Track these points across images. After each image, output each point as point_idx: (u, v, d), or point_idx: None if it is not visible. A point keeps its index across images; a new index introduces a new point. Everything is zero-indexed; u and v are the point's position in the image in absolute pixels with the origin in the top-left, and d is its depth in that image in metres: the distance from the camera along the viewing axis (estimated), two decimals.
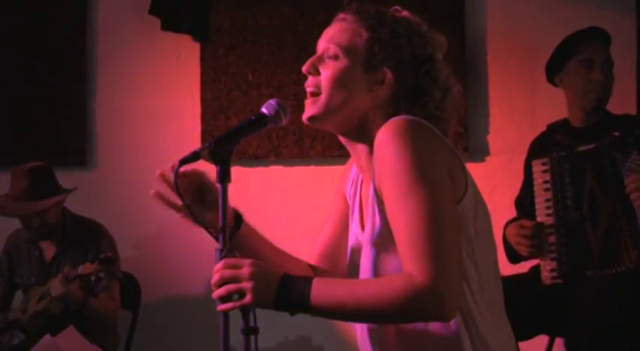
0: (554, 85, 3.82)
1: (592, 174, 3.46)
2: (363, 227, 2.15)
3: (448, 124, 2.10)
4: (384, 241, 1.99)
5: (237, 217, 2.23)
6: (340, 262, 2.29)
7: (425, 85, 2.06)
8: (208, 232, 2.06)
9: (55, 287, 3.87)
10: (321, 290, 1.89)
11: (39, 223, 4.16)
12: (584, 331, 3.26)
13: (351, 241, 2.22)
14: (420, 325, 1.98)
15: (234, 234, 2.17)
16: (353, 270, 2.17)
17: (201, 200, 2.14)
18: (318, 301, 1.89)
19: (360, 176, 2.22)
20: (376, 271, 2.02)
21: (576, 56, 3.67)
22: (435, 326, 1.96)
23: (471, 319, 1.97)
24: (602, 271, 3.39)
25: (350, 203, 2.26)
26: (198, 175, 2.14)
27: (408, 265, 1.85)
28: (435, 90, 2.07)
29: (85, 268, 3.77)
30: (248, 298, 1.89)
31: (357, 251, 2.16)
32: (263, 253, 2.25)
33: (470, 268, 1.95)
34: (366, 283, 1.97)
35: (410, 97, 2.06)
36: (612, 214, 3.41)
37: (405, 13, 2.13)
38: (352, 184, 2.26)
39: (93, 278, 3.75)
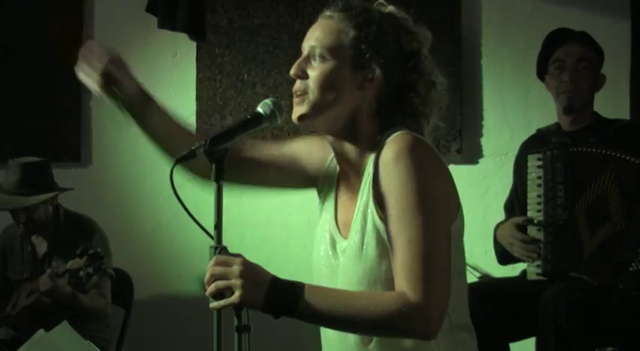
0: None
1: (613, 179, 3.44)
2: (337, 223, 2.17)
3: (429, 118, 2.13)
4: (374, 246, 2.02)
5: (145, 97, 2.35)
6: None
7: (411, 81, 2.07)
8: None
9: (44, 282, 3.88)
10: (313, 297, 1.91)
11: (25, 218, 4.17)
12: (549, 331, 3.29)
13: (322, 236, 2.21)
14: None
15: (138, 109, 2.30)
16: (322, 267, 2.17)
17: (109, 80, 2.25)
18: (310, 307, 1.90)
19: (337, 172, 2.22)
20: (371, 278, 2.03)
21: (551, 58, 3.72)
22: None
23: (441, 332, 1.99)
24: (584, 276, 3.41)
25: (320, 197, 2.27)
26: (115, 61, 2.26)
27: (402, 282, 1.90)
28: (421, 85, 2.08)
29: (73, 264, 3.78)
30: (236, 296, 1.89)
31: (328, 249, 2.16)
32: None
33: None
34: (359, 296, 1.98)
35: (397, 92, 2.07)
36: (618, 228, 3.42)
37: (390, 8, 2.12)
38: (327, 179, 2.26)
39: (82, 274, 3.75)
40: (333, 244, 2.15)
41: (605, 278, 3.37)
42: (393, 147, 1.97)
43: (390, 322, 1.89)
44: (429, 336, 1.91)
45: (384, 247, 1.99)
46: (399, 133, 2.01)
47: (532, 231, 3.55)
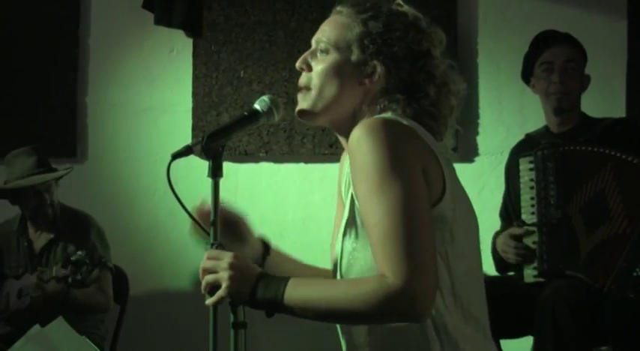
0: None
1: (613, 178, 3.41)
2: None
3: (445, 120, 2.10)
4: (356, 234, 2.00)
5: (265, 246, 2.26)
6: None
7: (419, 81, 2.05)
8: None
9: (33, 289, 3.89)
10: (296, 290, 1.89)
11: (50, 200, 4.21)
12: (548, 329, 3.28)
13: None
14: (390, 326, 1.96)
15: (262, 261, 2.22)
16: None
17: (232, 233, 2.19)
18: (292, 300, 1.89)
19: None
20: (345, 263, 2.02)
21: (538, 60, 3.74)
22: (404, 328, 1.94)
23: (442, 323, 1.94)
24: (582, 274, 3.39)
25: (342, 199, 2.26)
26: (225, 212, 2.18)
27: (380, 265, 1.84)
28: (430, 86, 2.05)
29: (59, 272, 3.76)
30: (223, 288, 1.90)
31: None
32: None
33: (442, 271, 1.91)
34: (340, 284, 1.97)
35: (403, 92, 2.04)
36: (622, 229, 3.38)
37: (405, 7, 2.11)
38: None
39: (70, 280, 3.74)
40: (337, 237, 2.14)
41: (601, 278, 3.34)
42: (356, 130, 1.91)
43: (370, 306, 1.81)
44: (418, 317, 1.83)
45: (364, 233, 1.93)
46: (371, 118, 1.98)
47: (528, 241, 3.54)
